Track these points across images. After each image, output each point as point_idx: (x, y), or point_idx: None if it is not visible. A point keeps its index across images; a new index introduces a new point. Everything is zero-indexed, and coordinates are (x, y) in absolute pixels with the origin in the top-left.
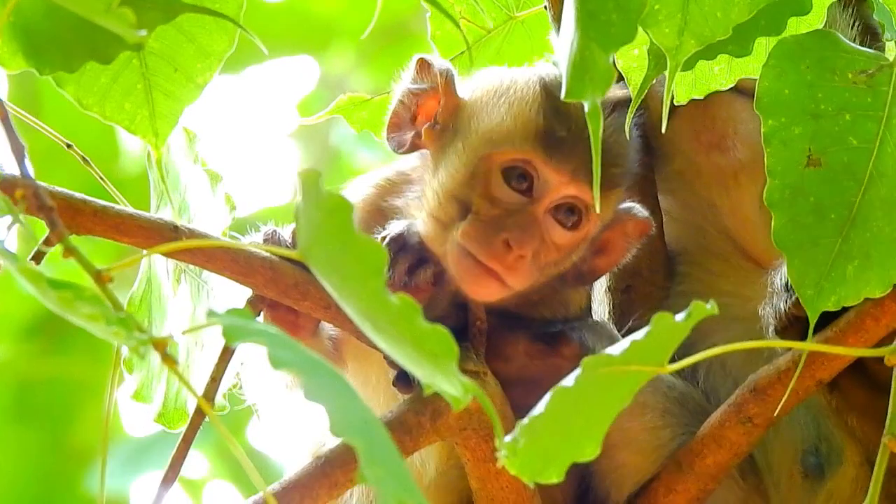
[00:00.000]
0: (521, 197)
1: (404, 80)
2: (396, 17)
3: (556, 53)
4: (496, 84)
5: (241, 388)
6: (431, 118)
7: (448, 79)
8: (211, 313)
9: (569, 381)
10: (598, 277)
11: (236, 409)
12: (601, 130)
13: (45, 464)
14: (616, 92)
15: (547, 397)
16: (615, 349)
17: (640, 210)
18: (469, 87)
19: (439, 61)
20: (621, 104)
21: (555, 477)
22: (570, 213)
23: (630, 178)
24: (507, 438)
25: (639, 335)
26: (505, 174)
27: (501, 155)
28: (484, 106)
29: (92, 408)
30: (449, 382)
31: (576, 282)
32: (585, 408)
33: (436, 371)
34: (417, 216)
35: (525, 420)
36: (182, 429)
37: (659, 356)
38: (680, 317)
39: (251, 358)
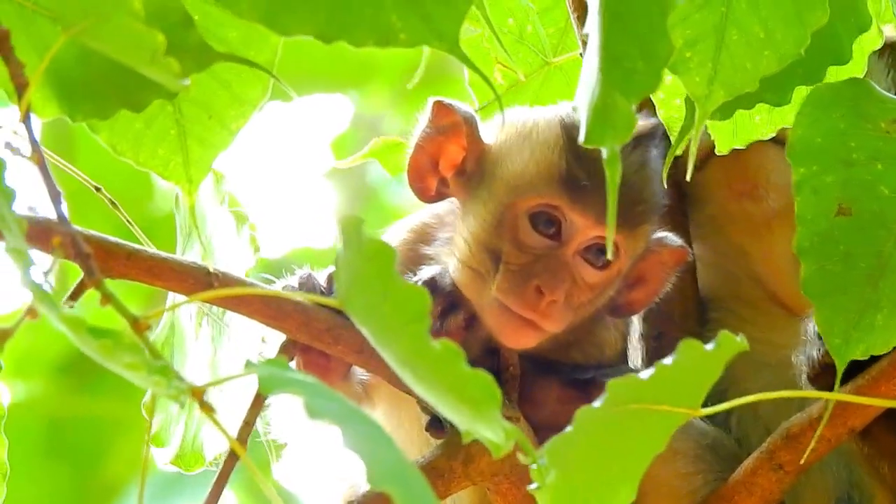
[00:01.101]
0: (550, 241)
1: (422, 125)
2: (433, 56)
3: (577, 97)
4: (518, 128)
5: (266, 426)
6: (455, 164)
7: (473, 126)
8: (248, 363)
9: (595, 403)
10: (637, 311)
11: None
12: (624, 169)
13: (76, 500)
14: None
15: (574, 421)
16: (643, 374)
17: (673, 238)
18: (492, 130)
19: (461, 106)
20: (644, 137)
21: None
22: (600, 252)
23: (658, 211)
24: (534, 466)
25: (666, 361)
26: (532, 220)
27: (527, 201)
28: (507, 152)
29: (122, 445)
30: (490, 429)
31: (613, 315)
32: (618, 450)
33: (476, 418)
34: (449, 262)
35: (550, 442)
36: (199, 471)
37: (692, 397)
38: (709, 347)
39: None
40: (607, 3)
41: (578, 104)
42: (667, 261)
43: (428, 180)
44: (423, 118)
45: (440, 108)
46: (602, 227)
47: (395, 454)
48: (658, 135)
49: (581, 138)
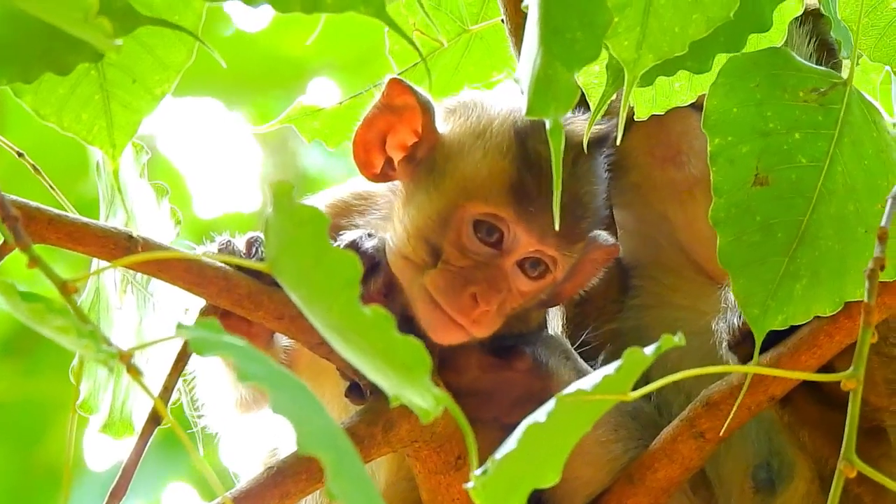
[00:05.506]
0: (491, 249)
1: (375, 101)
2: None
3: (518, 70)
4: (472, 123)
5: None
6: (403, 146)
7: (430, 115)
8: (180, 326)
9: (541, 416)
10: (562, 302)
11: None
12: (572, 182)
13: (16, 481)
14: (579, 128)
15: (518, 432)
16: (586, 384)
17: (606, 238)
18: (447, 119)
19: (419, 91)
20: (593, 145)
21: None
22: (537, 264)
23: (601, 223)
24: (477, 472)
25: (610, 370)
26: (476, 226)
27: (474, 207)
28: (460, 149)
29: (62, 426)
30: (419, 394)
31: (539, 308)
32: (547, 436)
33: (405, 383)
34: (380, 234)
35: (497, 455)
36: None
37: (623, 385)
38: (649, 350)
39: (202, 376)
40: None
41: (520, 76)
42: (598, 258)
43: (373, 157)
44: (378, 94)
45: (396, 85)
46: (544, 244)
47: (325, 420)
48: (608, 141)
49: (524, 111)
